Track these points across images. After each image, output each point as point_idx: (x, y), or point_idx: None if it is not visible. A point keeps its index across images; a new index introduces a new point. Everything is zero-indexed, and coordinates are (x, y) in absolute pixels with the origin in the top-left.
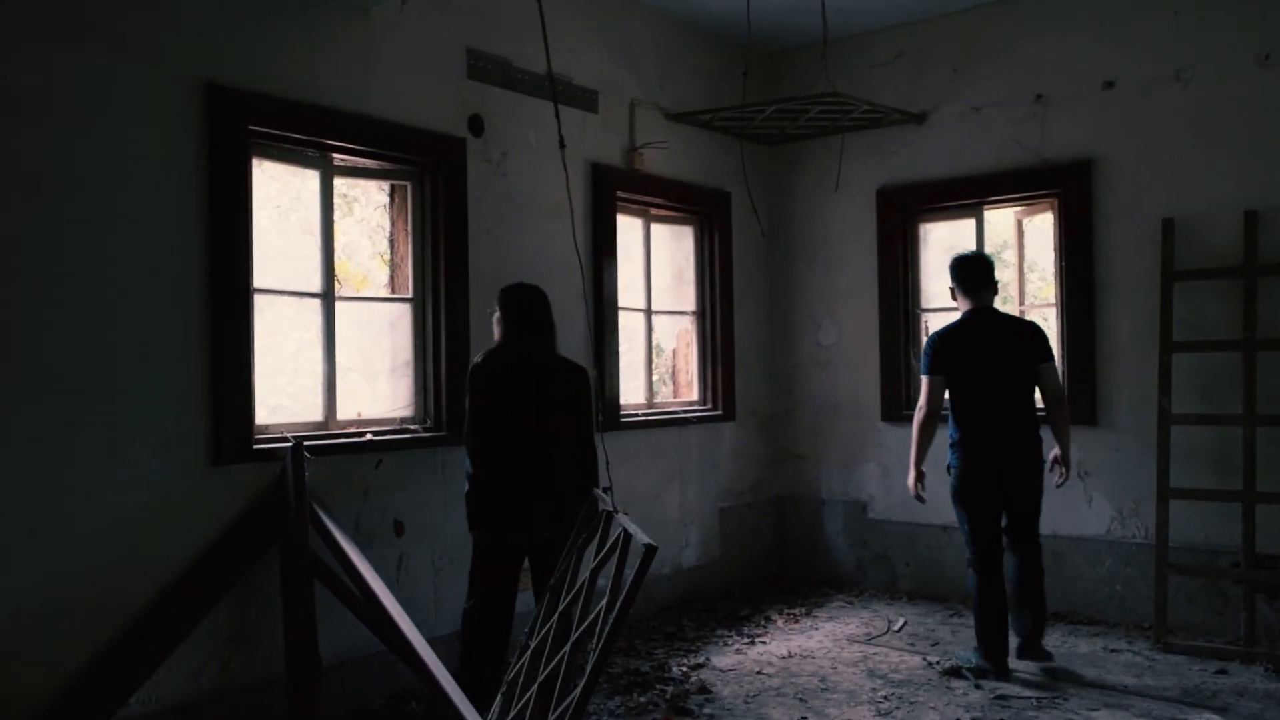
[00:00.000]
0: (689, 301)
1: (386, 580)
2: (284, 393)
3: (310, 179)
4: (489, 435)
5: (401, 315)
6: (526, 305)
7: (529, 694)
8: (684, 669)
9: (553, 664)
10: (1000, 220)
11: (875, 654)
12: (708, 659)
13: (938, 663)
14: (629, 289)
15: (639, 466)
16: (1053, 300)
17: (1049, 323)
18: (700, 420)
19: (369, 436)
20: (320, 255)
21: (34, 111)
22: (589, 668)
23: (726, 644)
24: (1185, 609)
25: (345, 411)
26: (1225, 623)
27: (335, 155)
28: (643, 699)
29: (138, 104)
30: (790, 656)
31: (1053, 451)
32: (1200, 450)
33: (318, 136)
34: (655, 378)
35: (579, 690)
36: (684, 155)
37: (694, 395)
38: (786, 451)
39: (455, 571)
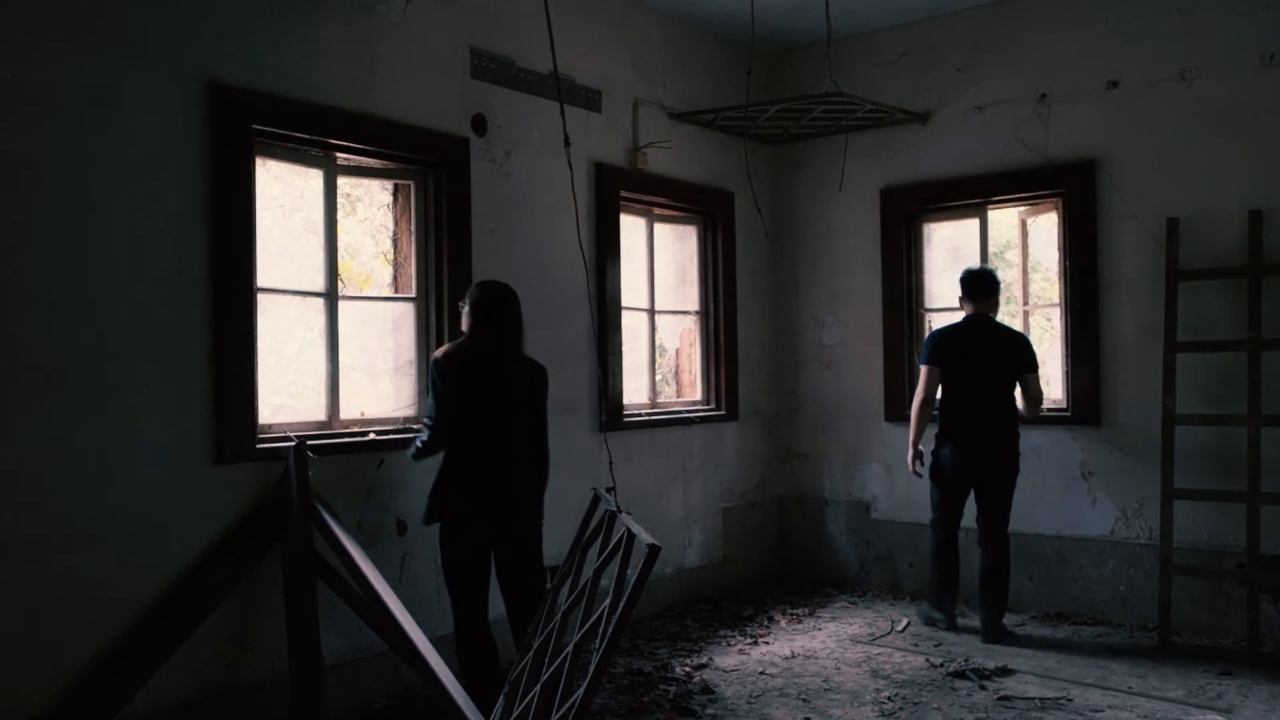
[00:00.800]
0: (692, 301)
1: (389, 580)
2: (287, 392)
3: (313, 178)
4: (451, 429)
5: (404, 315)
6: (494, 302)
7: (532, 694)
8: (687, 669)
9: (555, 664)
10: (1004, 220)
11: (879, 654)
12: (711, 659)
13: (941, 664)
14: (632, 289)
15: (642, 466)
16: (1056, 300)
17: (1053, 322)
18: (703, 420)
19: (372, 436)
20: (323, 254)
21: (37, 110)
22: (592, 668)
23: (729, 644)
24: (1189, 610)
25: (348, 411)
26: (1229, 624)
27: (339, 154)
28: (645, 699)
29: (141, 103)
30: (793, 657)
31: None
32: (1204, 450)
33: (321, 136)
34: (658, 377)
35: (582, 691)
36: (687, 155)
37: (697, 395)
38: (790, 451)
39: None
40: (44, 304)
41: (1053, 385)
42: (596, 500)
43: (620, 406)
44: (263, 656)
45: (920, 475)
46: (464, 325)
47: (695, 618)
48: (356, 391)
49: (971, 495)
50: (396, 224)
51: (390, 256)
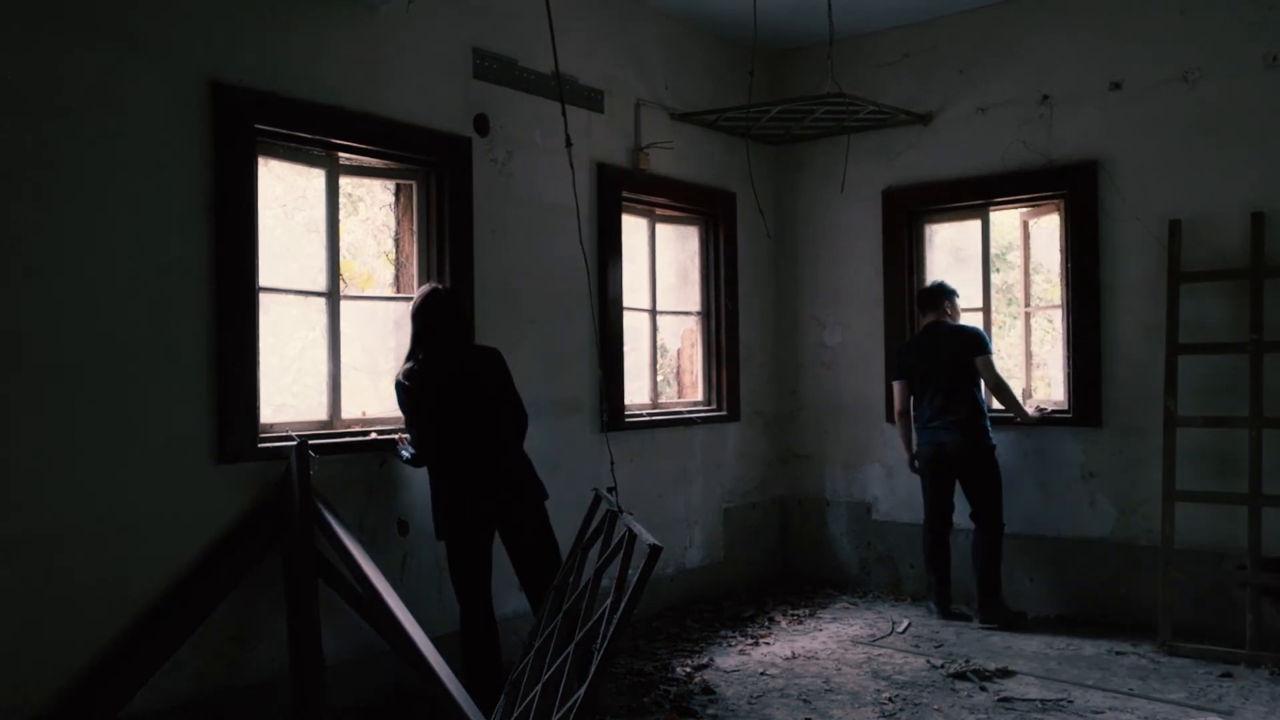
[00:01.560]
0: (694, 302)
1: (390, 579)
2: (288, 391)
3: (316, 178)
4: (437, 444)
5: (406, 315)
6: (434, 307)
7: (533, 694)
8: (687, 669)
9: (556, 664)
10: (1006, 221)
11: (879, 655)
12: (711, 659)
13: (942, 665)
14: (634, 289)
15: (643, 467)
16: (1058, 302)
17: (1054, 324)
18: (705, 421)
19: (373, 435)
20: (325, 254)
21: (40, 109)
22: (593, 668)
23: (730, 645)
24: (1190, 612)
25: (350, 411)
26: (1231, 626)
27: (341, 154)
28: (646, 699)
29: (144, 102)
30: (794, 657)
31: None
32: (1206, 452)
33: (323, 135)
34: (660, 378)
35: (583, 691)
36: (689, 155)
37: (698, 396)
38: (791, 452)
39: None
40: (45, 303)
41: (1054, 386)
42: (598, 500)
43: (621, 407)
44: (264, 656)
45: (917, 472)
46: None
47: (696, 618)
48: (358, 391)
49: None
50: (398, 224)
51: (392, 256)
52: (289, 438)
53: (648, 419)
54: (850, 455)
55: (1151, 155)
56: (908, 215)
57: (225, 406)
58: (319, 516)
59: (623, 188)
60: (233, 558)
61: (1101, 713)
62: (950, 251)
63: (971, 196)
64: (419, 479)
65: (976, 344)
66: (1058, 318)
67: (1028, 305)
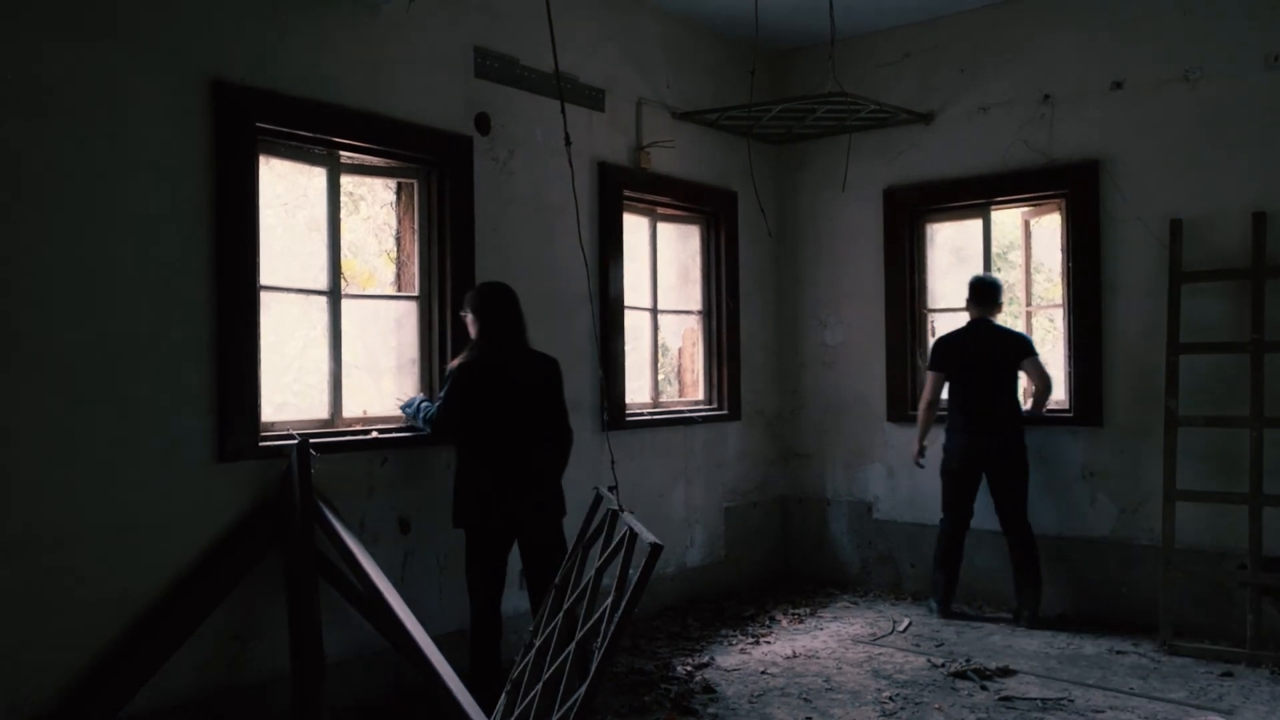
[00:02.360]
0: (695, 301)
1: (391, 578)
2: (289, 390)
3: (317, 176)
4: (478, 432)
5: (407, 313)
6: (503, 304)
7: (533, 693)
8: (688, 668)
9: (557, 663)
10: (1007, 221)
11: (880, 654)
12: (712, 658)
13: (943, 664)
14: (635, 288)
15: (644, 466)
16: (1059, 301)
17: (1055, 323)
18: (705, 420)
19: (374, 434)
20: (327, 253)
21: (40, 107)
22: (594, 667)
23: (731, 644)
24: (1191, 611)
25: (351, 409)
26: (1231, 625)
27: (342, 153)
28: (647, 698)
29: (145, 101)
30: (795, 656)
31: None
32: (1207, 452)
33: (325, 134)
34: (661, 377)
35: (583, 690)
36: (691, 154)
37: (699, 395)
38: (792, 451)
39: (460, 569)
40: (47, 302)
41: (1055, 386)
42: (598, 499)
43: (622, 406)
44: (264, 654)
45: (923, 466)
46: (471, 332)
47: (697, 617)
48: (359, 390)
49: (987, 494)
50: (400, 222)
51: (393, 255)
52: (290, 436)
53: (648, 418)
54: (851, 454)
55: (1153, 155)
56: (909, 214)
57: (226, 405)
58: (320, 515)
59: (624, 186)
60: (233, 557)
61: (1102, 712)
62: (951, 251)
63: (973, 196)
64: (419, 479)
65: (1027, 346)
66: (1059, 317)
67: (1029, 305)
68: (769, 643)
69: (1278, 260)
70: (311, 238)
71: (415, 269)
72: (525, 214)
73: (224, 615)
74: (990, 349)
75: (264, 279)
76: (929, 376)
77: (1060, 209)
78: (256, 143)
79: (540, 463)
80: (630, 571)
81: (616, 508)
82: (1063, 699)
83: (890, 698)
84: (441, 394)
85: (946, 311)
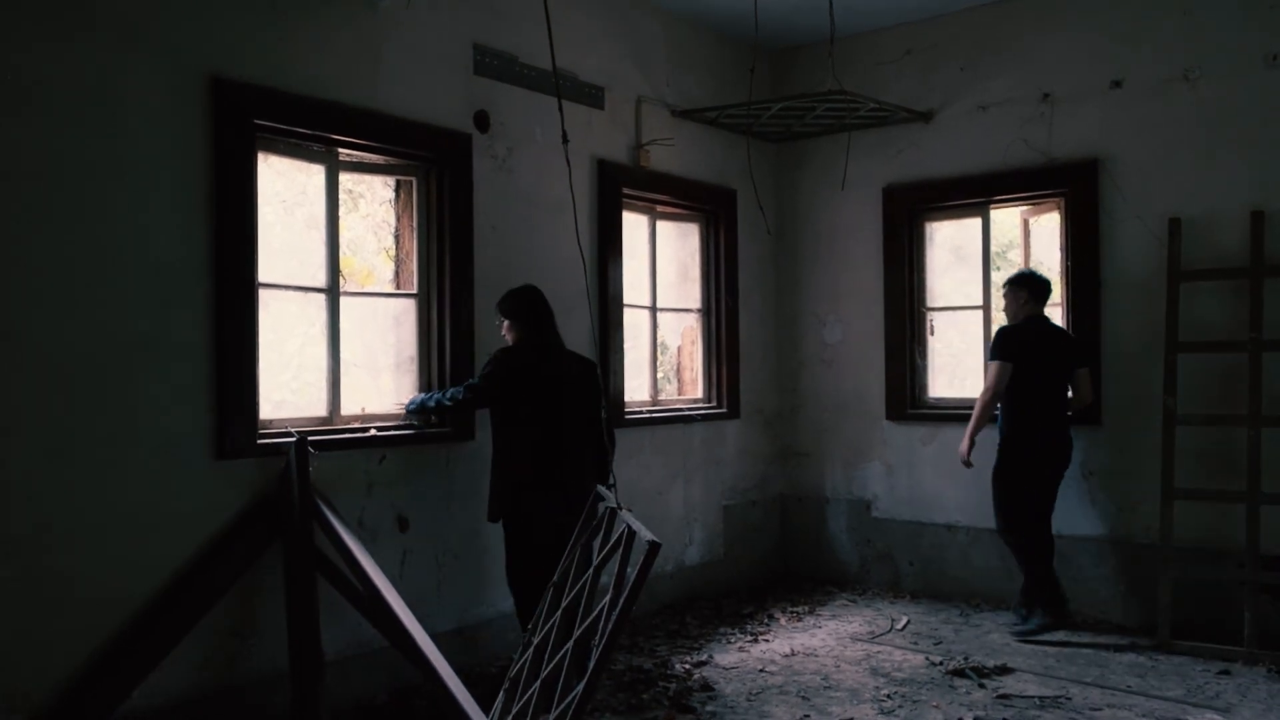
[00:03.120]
0: (694, 299)
1: (390, 576)
2: (288, 388)
3: (316, 174)
4: (518, 427)
5: (406, 311)
6: (538, 305)
7: (531, 690)
8: (687, 666)
9: (555, 661)
10: (1006, 219)
11: (878, 652)
12: (711, 656)
13: (941, 662)
14: (634, 286)
15: (643, 464)
16: (1058, 300)
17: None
18: (704, 418)
19: (373, 432)
20: (325, 250)
21: (38, 104)
22: (591, 665)
23: (730, 642)
24: (1189, 609)
25: (349, 407)
26: (1229, 624)
27: (341, 150)
28: (645, 696)
29: (143, 98)
30: (793, 654)
31: None
32: (1205, 451)
33: (324, 131)
34: (660, 375)
35: (581, 687)
36: (690, 152)
37: (698, 393)
38: (791, 450)
39: (459, 567)
40: (45, 299)
41: None
42: (597, 497)
43: (621, 404)
44: (263, 652)
45: (972, 465)
46: (509, 337)
47: (695, 615)
48: (358, 387)
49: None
50: (398, 220)
51: (392, 252)
52: (288, 434)
53: (647, 416)
54: (850, 453)
55: (1152, 154)
56: (908, 213)
57: (225, 403)
58: (318, 513)
59: (623, 184)
60: (232, 554)
61: (1099, 710)
62: (951, 249)
63: (972, 194)
64: (418, 476)
65: (1086, 352)
66: (1058, 316)
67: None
68: (767, 641)
69: (1276, 259)
70: (310, 235)
71: (414, 267)
72: (524, 212)
73: (222, 613)
74: (1060, 348)
75: (263, 276)
76: (995, 367)
77: (1059, 208)
78: (255, 140)
79: (578, 463)
80: (629, 569)
81: (615, 505)
82: (1060, 697)
83: (888, 696)
84: (483, 371)
85: (946, 310)
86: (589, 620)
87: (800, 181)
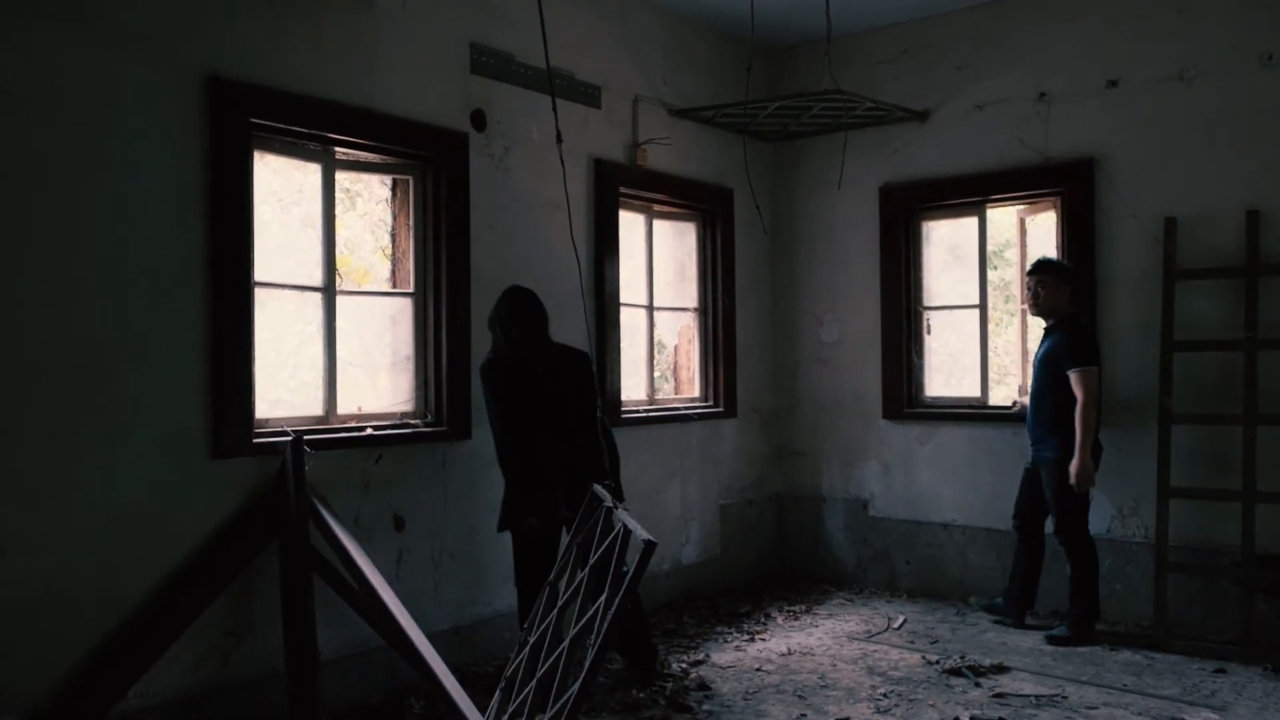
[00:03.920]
0: (691, 298)
1: (386, 575)
2: (284, 387)
3: (312, 173)
4: (514, 431)
5: (403, 310)
6: (512, 302)
7: (527, 690)
8: (683, 665)
9: (551, 660)
10: (1003, 219)
11: (875, 651)
12: (707, 655)
13: (937, 661)
14: (631, 285)
15: (640, 463)
16: None
17: None
18: (701, 417)
19: (369, 431)
20: (322, 249)
21: (33, 102)
22: (587, 663)
23: (726, 641)
24: (1184, 608)
25: (345, 406)
26: (1224, 622)
27: (337, 149)
28: (641, 695)
29: (139, 96)
30: (790, 654)
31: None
32: (1201, 450)
33: (320, 130)
34: (657, 374)
35: (577, 685)
36: (687, 151)
37: (695, 392)
38: (787, 449)
39: (455, 567)
40: (41, 298)
41: None
42: (594, 496)
43: (618, 403)
44: (259, 652)
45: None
46: (492, 338)
47: (692, 614)
48: (354, 386)
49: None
50: (395, 219)
51: (389, 252)
52: (284, 433)
53: (644, 415)
54: (847, 452)
55: (1148, 153)
56: (905, 212)
57: (220, 402)
58: (314, 512)
59: (620, 184)
60: (228, 553)
61: (1095, 708)
62: (947, 249)
63: (968, 194)
64: (414, 476)
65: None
66: None
67: (1024, 303)
68: (764, 640)
69: (1271, 258)
70: (307, 234)
71: (410, 265)
72: (521, 211)
73: (218, 612)
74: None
75: (259, 275)
76: (1090, 374)
77: (1056, 207)
78: (251, 139)
79: (573, 458)
80: (625, 568)
81: (611, 504)
82: (1056, 696)
83: (885, 694)
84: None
85: (942, 309)
86: (585, 619)
87: (797, 181)
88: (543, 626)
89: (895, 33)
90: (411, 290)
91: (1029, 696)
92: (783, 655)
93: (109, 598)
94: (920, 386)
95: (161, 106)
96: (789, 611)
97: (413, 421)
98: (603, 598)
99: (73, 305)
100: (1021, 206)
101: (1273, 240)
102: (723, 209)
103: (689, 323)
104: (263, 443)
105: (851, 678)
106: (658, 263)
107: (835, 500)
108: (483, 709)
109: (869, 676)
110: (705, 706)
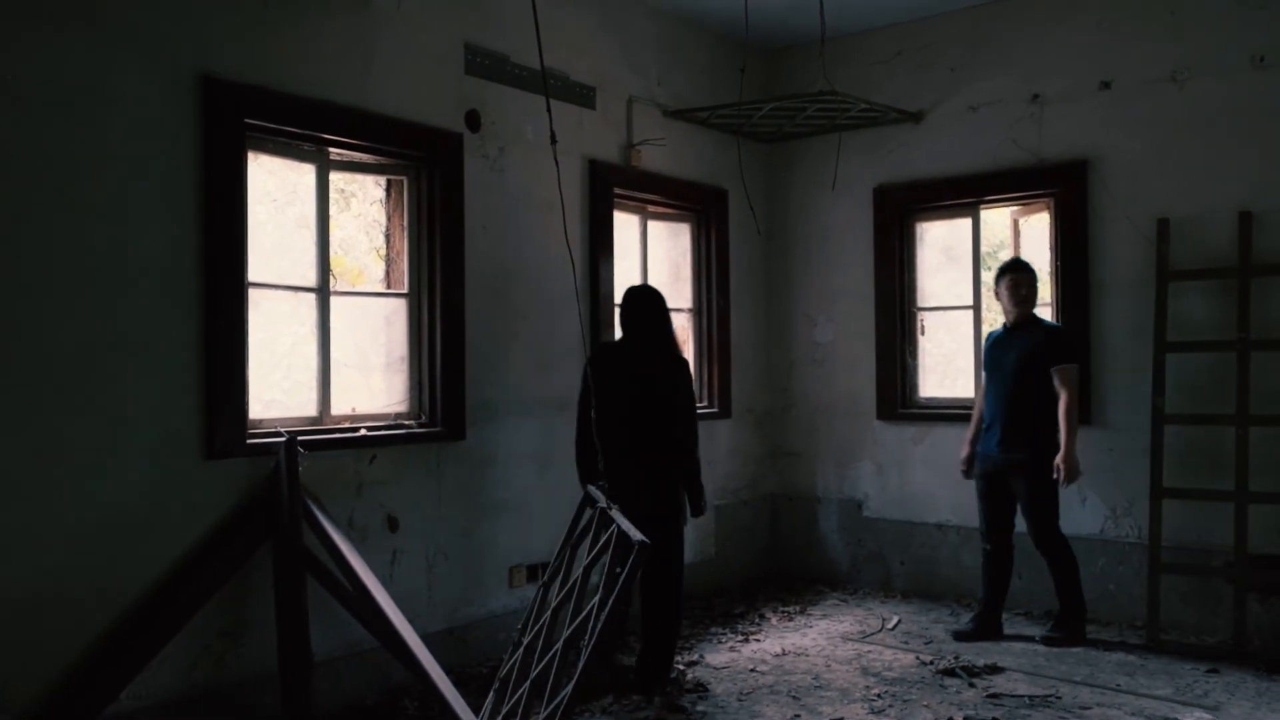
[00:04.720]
0: (685, 299)
1: (380, 576)
2: (278, 387)
3: (306, 173)
4: (592, 420)
5: (397, 310)
6: (630, 302)
7: (521, 691)
8: (678, 666)
9: (544, 661)
10: (997, 220)
11: (869, 652)
12: (701, 656)
13: (931, 661)
14: (626, 285)
15: None
16: (1048, 300)
17: None
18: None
19: (363, 432)
20: (316, 250)
21: (26, 102)
22: (580, 664)
23: (720, 641)
24: (1177, 608)
25: (340, 406)
26: (1217, 622)
27: (332, 149)
28: (636, 696)
29: (132, 96)
30: (784, 654)
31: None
32: (1193, 450)
33: (314, 130)
34: None
35: (570, 687)
36: (681, 152)
37: None
38: (782, 449)
39: (449, 568)
40: (33, 298)
41: None
42: (588, 497)
43: None
44: (252, 653)
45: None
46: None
47: (686, 615)
48: (348, 387)
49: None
50: (389, 219)
51: (383, 252)
52: (278, 434)
53: None
54: (841, 452)
55: (1141, 154)
56: (899, 213)
57: (214, 402)
58: (308, 513)
59: (615, 184)
60: (221, 554)
61: (1089, 709)
62: (941, 250)
63: (962, 195)
64: (408, 476)
65: None
66: (1047, 316)
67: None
68: (758, 640)
69: (1264, 259)
70: (301, 234)
71: (405, 266)
72: (515, 211)
73: (212, 613)
74: None
75: (253, 276)
76: (1075, 370)
77: (1049, 208)
78: (245, 139)
79: (650, 472)
80: (618, 569)
81: (605, 505)
82: (1050, 696)
83: (878, 695)
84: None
85: (936, 310)
86: (578, 620)
87: (791, 182)
88: (536, 627)
89: (890, 34)
90: (406, 291)
91: (1023, 697)
92: (777, 656)
93: (102, 599)
94: (914, 387)
95: (155, 106)
96: (783, 612)
97: (407, 422)
98: (596, 598)
99: (66, 305)
100: (1015, 208)
101: (1265, 241)
102: (717, 210)
103: (683, 323)
104: (256, 443)
105: (846, 678)
106: (652, 263)
107: (830, 501)
108: (476, 710)
109: (863, 677)
110: (699, 707)
